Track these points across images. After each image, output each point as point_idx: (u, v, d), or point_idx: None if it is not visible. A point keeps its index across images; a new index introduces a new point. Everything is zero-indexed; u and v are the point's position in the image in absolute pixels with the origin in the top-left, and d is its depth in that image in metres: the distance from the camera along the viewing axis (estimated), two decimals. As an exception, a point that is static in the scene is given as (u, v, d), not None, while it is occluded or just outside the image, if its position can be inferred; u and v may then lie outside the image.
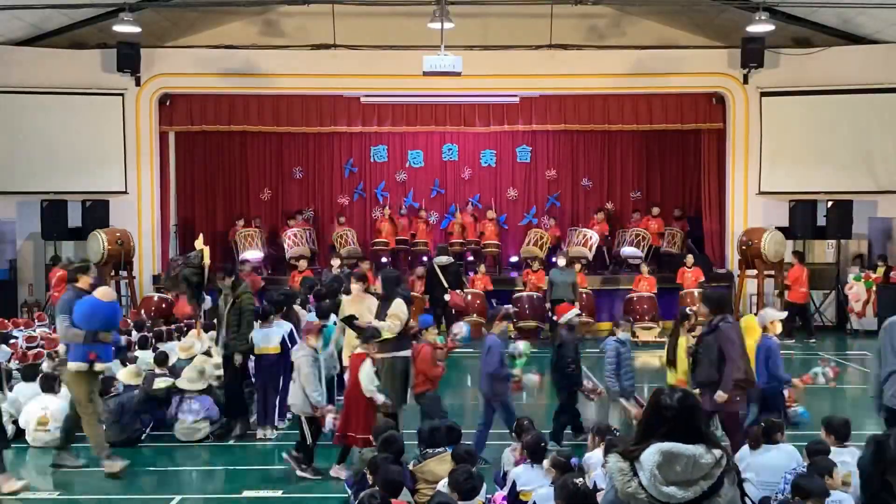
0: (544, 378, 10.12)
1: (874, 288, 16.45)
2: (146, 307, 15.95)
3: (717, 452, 3.19)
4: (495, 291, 16.87)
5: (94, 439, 8.61)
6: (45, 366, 10.42)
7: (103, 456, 8.59)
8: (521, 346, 9.18)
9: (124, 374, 10.20)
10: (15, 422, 9.84)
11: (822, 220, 17.07)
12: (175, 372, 10.25)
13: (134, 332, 12.35)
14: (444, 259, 16.00)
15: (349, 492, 7.05)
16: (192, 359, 10.52)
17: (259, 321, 9.86)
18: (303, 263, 16.48)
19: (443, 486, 6.05)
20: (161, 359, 10.39)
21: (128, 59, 16.62)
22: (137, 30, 15.64)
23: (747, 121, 17.67)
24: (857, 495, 5.76)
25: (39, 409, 9.57)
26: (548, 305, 15.44)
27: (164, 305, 15.96)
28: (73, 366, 8.44)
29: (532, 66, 17.34)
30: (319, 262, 18.82)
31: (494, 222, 18.77)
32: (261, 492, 8.22)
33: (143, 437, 9.71)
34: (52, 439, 9.49)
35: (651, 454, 3.14)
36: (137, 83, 17.33)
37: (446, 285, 15.61)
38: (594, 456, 6.59)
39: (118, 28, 15.58)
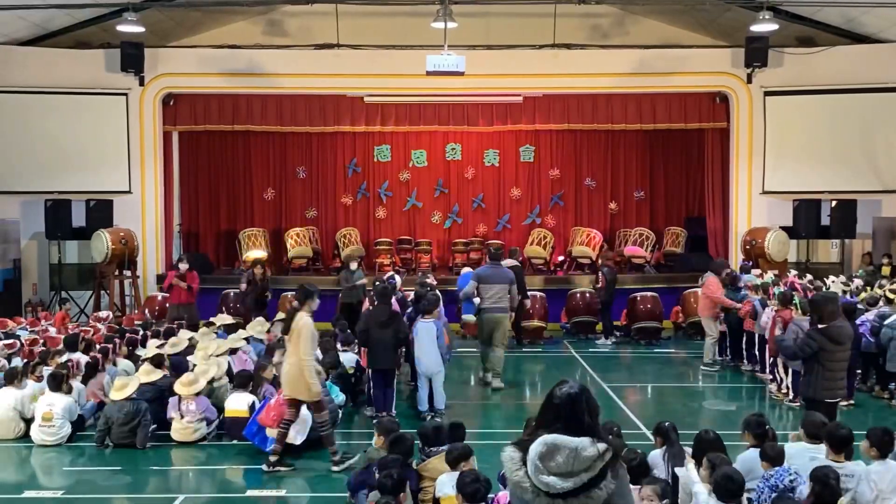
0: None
1: None
2: (150, 306, 15.97)
3: (602, 446, 3.28)
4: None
5: None
6: None
7: None
8: None
9: (141, 373, 10.20)
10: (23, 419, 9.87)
11: (826, 220, 17.04)
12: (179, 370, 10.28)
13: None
14: (511, 262, 15.76)
15: (350, 491, 7.05)
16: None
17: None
18: (183, 266, 15.30)
19: (442, 481, 6.10)
20: (158, 361, 10.40)
21: (132, 58, 16.63)
22: (141, 30, 15.66)
23: (751, 120, 17.64)
24: None
25: (45, 406, 9.58)
26: None
27: (167, 305, 15.96)
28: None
29: (535, 65, 17.33)
30: (323, 261, 18.88)
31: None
32: (263, 491, 8.24)
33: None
34: (55, 437, 9.52)
35: (536, 444, 3.27)
36: (141, 83, 17.35)
37: None
38: (657, 455, 6.79)
39: (122, 28, 15.60)
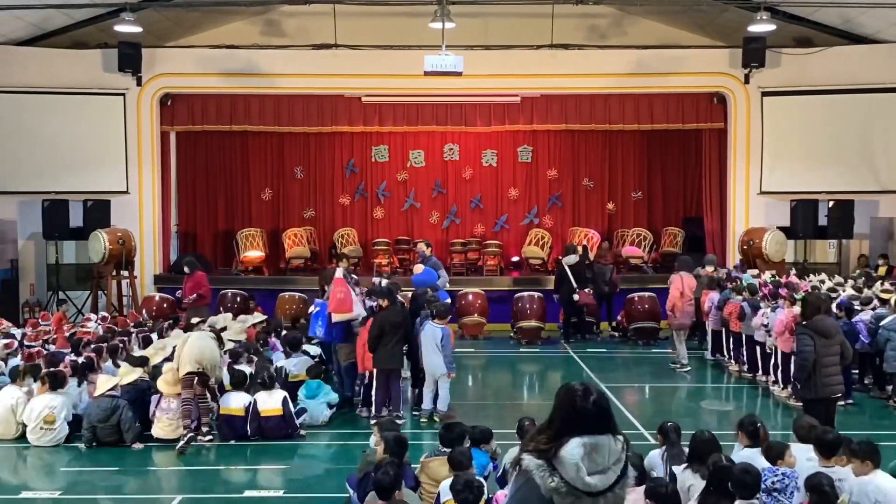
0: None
1: None
2: (147, 307, 15.96)
3: (621, 438, 3.43)
4: (493, 292, 16.86)
5: None
6: None
7: None
8: None
9: (121, 373, 10.18)
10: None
11: (823, 220, 17.05)
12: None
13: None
14: (572, 258, 15.81)
15: (350, 491, 7.05)
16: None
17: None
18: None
19: (445, 487, 6.10)
20: (139, 362, 10.40)
21: (129, 58, 16.61)
22: (139, 30, 15.65)
23: (748, 121, 17.64)
24: None
25: (45, 409, 9.54)
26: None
27: (165, 305, 15.97)
28: None
29: (533, 65, 17.33)
30: (319, 262, 18.84)
31: None
32: (262, 491, 8.24)
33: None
34: (55, 439, 9.51)
35: (574, 448, 3.31)
36: (139, 83, 17.32)
37: (574, 285, 15.46)
38: (656, 455, 6.83)
39: (119, 28, 15.59)
